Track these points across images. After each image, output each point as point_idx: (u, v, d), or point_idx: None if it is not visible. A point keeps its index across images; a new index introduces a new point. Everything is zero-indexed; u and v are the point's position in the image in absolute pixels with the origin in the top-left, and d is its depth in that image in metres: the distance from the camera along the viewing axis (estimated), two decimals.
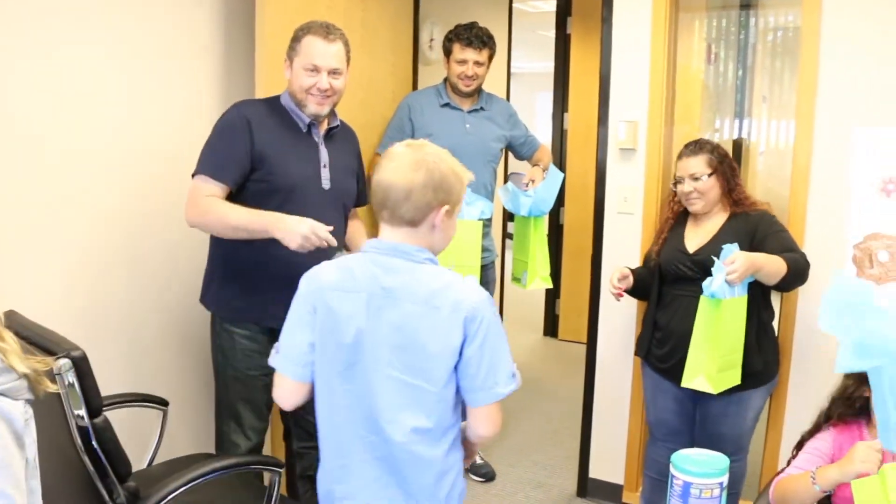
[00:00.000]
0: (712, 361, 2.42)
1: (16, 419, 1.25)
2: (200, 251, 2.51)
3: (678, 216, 2.74)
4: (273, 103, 2.46)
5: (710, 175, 2.58)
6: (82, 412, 1.78)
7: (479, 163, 3.26)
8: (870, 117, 2.68)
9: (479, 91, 3.34)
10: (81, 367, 1.75)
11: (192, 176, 2.34)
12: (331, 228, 2.18)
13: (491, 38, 3.28)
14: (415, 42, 3.64)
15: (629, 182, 3.13)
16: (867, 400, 1.87)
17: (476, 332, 1.58)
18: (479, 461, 3.60)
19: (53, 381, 1.47)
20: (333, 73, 2.37)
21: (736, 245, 2.35)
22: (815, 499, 1.75)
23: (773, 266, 2.41)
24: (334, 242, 2.19)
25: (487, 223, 3.35)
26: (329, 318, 1.65)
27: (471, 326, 1.58)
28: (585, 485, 3.37)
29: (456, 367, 1.61)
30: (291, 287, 2.38)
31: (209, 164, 2.32)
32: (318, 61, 2.34)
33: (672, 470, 1.68)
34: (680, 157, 2.65)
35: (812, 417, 2.76)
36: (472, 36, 3.21)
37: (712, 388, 2.44)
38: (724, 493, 1.66)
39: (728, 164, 2.62)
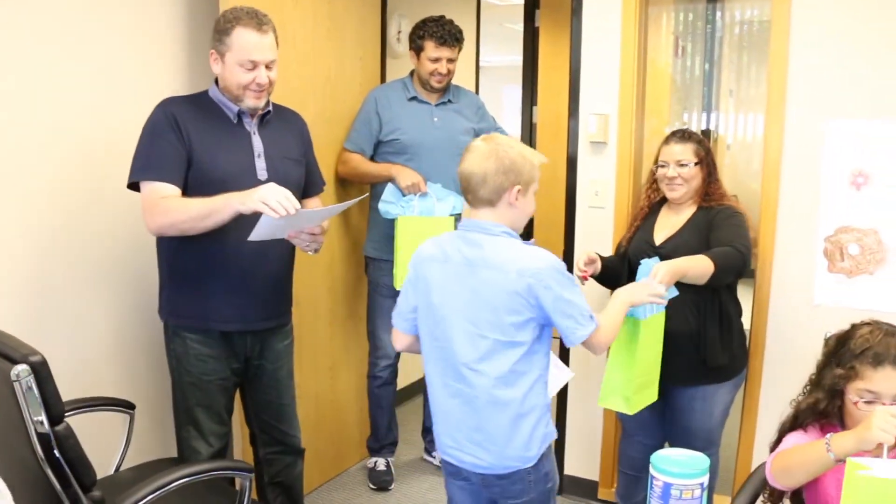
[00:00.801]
0: (629, 383, 2.34)
1: None
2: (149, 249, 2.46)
3: (653, 206, 2.74)
4: (200, 98, 2.36)
5: (695, 164, 2.58)
6: (42, 419, 1.71)
7: (448, 156, 3.20)
8: (840, 109, 2.68)
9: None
10: (41, 372, 1.68)
11: (132, 184, 2.25)
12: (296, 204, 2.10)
13: (461, 32, 3.25)
14: (382, 35, 3.59)
15: (600, 176, 3.11)
16: (840, 408, 1.82)
17: (544, 293, 1.86)
18: None
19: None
20: (270, 65, 2.28)
21: (655, 259, 2.30)
22: (827, 468, 1.66)
23: (698, 268, 2.35)
24: (293, 211, 2.08)
25: (458, 218, 3.31)
26: (425, 284, 2.01)
27: (536, 288, 1.86)
28: (561, 481, 3.35)
29: (536, 321, 1.91)
30: (237, 290, 2.33)
31: (150, 168, 2.21)
32: (255, 56, 2.23)
33: (652, 471, 1.65)
34: (667, 142, 2.64)
35: (785, 411, 2.77)
36: (446, 34, 3.16)
37: (628, 408, 2.36)
38: (705, 494, 1.64)
39: (711, 158, 2.64)
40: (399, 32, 3.82)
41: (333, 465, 3.48)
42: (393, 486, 3.42)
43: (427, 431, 3.64)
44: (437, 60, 3.17)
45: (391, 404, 3.47)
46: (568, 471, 3.34)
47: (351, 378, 3.52)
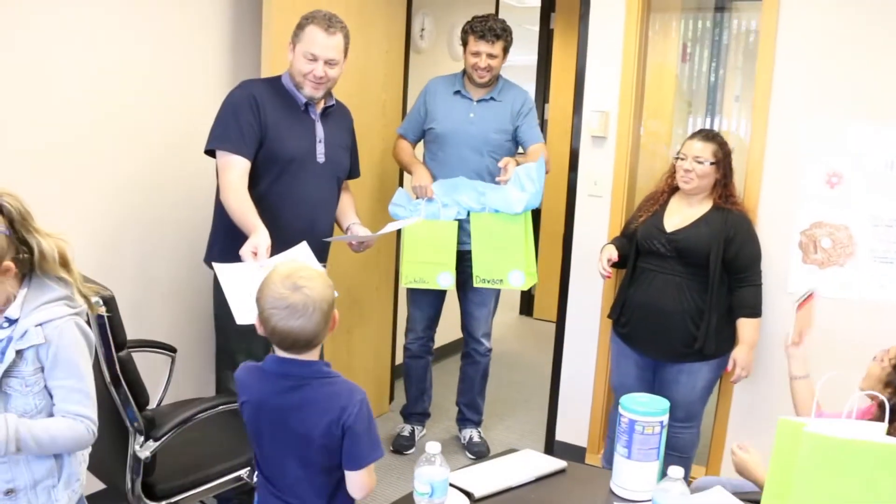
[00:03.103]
0: None
1: (91, 336, 1.67)
2: (204, 214, 2.76)
3: (670, 193, 2.96)
4: (274, 83, 2.68)
5: (711, 163, 2.81)
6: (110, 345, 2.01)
7: (475, 151, 3.34)
8: (819, 112, 2.93)
9: (496, 80, 3.40)
10: (110, 305, 1.99)
11: (210, 150, 2.56)
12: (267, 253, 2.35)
13: (506, 30, 3.33)
14: (407, 31, 3.84)
15: (599, 168, 3.39)
16: None
17: None
18: (476, 439, 3.72)
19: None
20: (329, 62, 2.59)
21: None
22: None
23: (757, 331, 2.88)
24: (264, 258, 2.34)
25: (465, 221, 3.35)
26: None
27: None
28: (552, 447, 3.64)
29: None
30: (288, 248, 2.64)
31: (227, 139, 2.54)
32: (316, 51, 2.57)
33: (620, 410, 1.92)
34: (691, 137, 2.86)
35: (756, 393, 3.05)
36: (486, 29, 3.26)
37: None
38: (665, 431, 1.91)
39: (729, 162, 2.85)
40: (422, 29, 4.10)
41: None
42: (410, 453, 3.66)
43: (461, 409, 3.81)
44: (477, 54, 3.27)
45: (420, 377, 3.69)
46: (559, 437, 3.63)
47: (367, 346, 3.81)
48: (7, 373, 1.62)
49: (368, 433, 1.70)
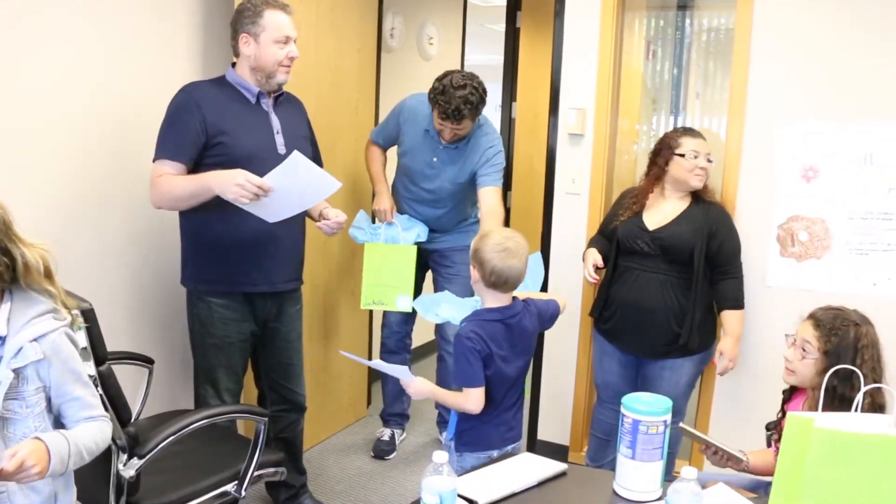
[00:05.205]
0: None
1: (80, 344, 1.64)
2: (172, 218, 2.66)
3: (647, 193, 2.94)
4: (219, 81, 2.59)
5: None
6: (90, 362, 1.92)
7: (434, 194, 3.32)
8: (795, 110, 2.97)
9: None
10: (89, 318, 1.89)
11: (154, 162, 2.47)
12: (265, 183, 2.34)
13: (476, 105, 3.05)
14: (378, 30, 3.79)
15: (577, 165, 3.38)
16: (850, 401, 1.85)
17: None
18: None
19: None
20: (295, 40, 2.55)
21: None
22: None
23: (741, 326, 2.90)
24: (269, 187, 2.34)
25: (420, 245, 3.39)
26: None
27: None
28: (534, 446, 3.62)
29: None
30: (265, 253, 2.56)
31: (164, 148, 2.45)
32: (289, 32, 2.51)
33: (623, 410, 1.89)
34: (693, 136, 2.84)
35: (738, 385, 3.07)
36: (451, 112, 3.02)
37: None
38: (668, 430, 1.89)
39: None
40: (393, 29, 4.05)
41: (325, 428, 3.70)
42: (391, 458, 3.60)
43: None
44: (442, 125, 3.12)
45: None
46: (541, 436, 3.60)
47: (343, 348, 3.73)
48: (6, 395, 1.54)
49: (549, 302, 2.44)
